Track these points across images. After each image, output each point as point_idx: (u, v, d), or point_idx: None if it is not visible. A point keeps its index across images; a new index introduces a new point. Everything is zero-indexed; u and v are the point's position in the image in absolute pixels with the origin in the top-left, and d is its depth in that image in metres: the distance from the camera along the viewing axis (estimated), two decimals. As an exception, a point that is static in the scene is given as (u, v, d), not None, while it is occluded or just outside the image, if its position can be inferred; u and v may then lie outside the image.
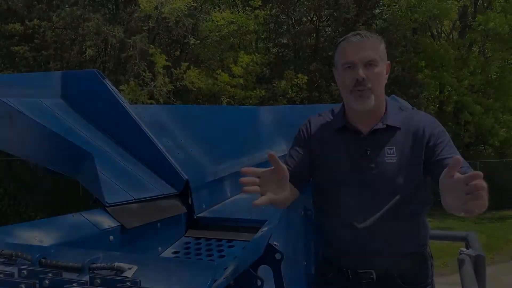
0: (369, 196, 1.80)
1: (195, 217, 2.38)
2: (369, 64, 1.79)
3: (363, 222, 1.82)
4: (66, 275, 1.13)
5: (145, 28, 14.08)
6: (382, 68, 1.84)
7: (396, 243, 1.84)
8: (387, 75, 1.89)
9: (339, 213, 1.89)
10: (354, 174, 1.84)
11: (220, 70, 14.47)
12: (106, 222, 1.85)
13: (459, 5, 18.64)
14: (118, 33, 13.58)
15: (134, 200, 2.04)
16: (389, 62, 1.91)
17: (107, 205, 1.91)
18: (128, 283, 1.06)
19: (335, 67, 1.93)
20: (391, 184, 1.75)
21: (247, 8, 14.86)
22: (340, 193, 1.88)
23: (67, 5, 14.65)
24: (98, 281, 1.09)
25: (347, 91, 1.83)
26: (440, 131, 1.84)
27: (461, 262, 2.42)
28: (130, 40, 13.46)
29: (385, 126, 1.85)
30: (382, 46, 1.86)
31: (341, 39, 1.91)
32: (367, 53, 1.79)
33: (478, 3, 20.33)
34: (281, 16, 18.98)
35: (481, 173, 1.34)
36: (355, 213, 1.84)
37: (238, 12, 14.78)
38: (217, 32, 14.31)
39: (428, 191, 1.92)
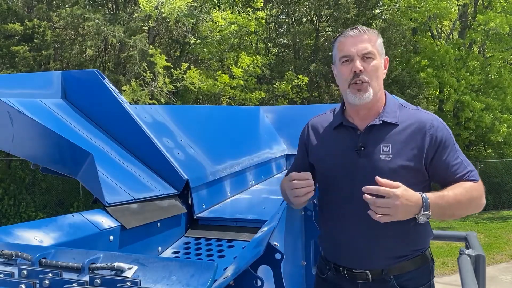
0: (363, 193, 1.78)
1: (195, 217, 2.38)
2: (367, 57, 1.80)
3: (357, 221, 1.82)
4: (66, 275, 1.13)
5: (145, 28, 14.08)
6: (380, 62, 1.84)
7: (391, 244, 1.82)
8: (385, 70, 1.89)
9: (334, 211, 1.89)
10: (349, 171, 1.84)
11: (220, 71, 14.47)
12: (106, 222, 1.85)
13: (459, 3, 18.60)
14: (118, 33, 13.57)
15: (134, 200, 2.04)
16: (387, 57, 1.92)
17: (107, 205, 1.91)
18: (128, 283, 1.06)
19: (333, 63, 1.94)
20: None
21: (248, 9, 14.85)
22: (335, 190, 1.88)
23: (67, 5, 14.65)
24: (98, 281, 1.09)
25: (345, 85, 1.84)
26: (445, 135, 1.82)
27: (461, 262, 2.42)
28: (130, 40, 13.46)
29: (381, 122, 1.84)
30: (380, 41, 1.87)
31: (338, 34, 1.92)
32: (364, 46, 1.80)
33: (478, 3, 20.32)
34: (281, 16, 18.99)
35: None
36: (349, 211, 1.84)
37: (239, 12, 14.77)
38: (217, 32, 14.30)
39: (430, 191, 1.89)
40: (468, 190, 1.76)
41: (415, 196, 1.66)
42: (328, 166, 1.91)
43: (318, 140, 1.97)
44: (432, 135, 1.80)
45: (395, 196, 1.60)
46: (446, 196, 1.71)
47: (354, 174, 1.82)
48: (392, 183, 1.63)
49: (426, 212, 1.66)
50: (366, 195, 1.64)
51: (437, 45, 19.49)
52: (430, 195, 1.69)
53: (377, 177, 1.64)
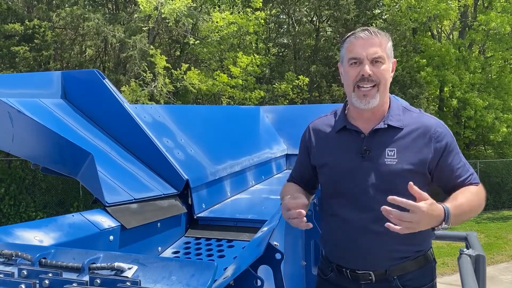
0: (368, 197, 1.78)
1: (195, 217, 2.38)
2: (376, 61, 1.77)
3: (360, 222, 1.82)
4: (66, 275, 1.13)
5: (145, 28, 14.07)
6: (388, 66, 1.82)
7: (394, 246, 1.82)
8: (392, 73, 1.87)
9: (337, 213, 1.89)
10: (353, 174, 1.83)
11: (219, 71, 14.48)
12: (106, 222, 1.85)
13: (459, 5, 18.61)
14: (118, 33, 13.58)
15: (134, 200, 2.04)
16: (395, 60, 1.90)
17: (107, 205, 1.91)
18: (128, 283, 1.06)
19: (341, 62, 1.91)
20: (390, 185, 1.72)
21: (248, 9, 14.84)
22: (339, 192, 1.88)
23: (67, 5, 14.65)
24: (98, 281, 1.09)
25: (350, 87, 1.81)
26: (449, 139, 1.82)
27: (461, 262, 2.41)
28: (130, 40, 13.46)
29: (386, 126, 1.83)
30: (390, 44, 1.84)
31: (349, 34, 1.88)
32: (375, 50, 1.77)
33: (478, 3, 20.32)
34: (281, 16, 19.00)
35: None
36: (353, 213, 1.83)
37: (239, 12, 14.77)
38: (217, 32, 14.31)
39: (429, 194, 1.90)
40: (476, 196, 1.78)
41: (438, 209, 1.61)
42: (331, 169, 1.90)
43: (321, 143, 1.96)
44: (437, 139, 1.80)
45: (420, 212, 1.54)
46: (462, 205, 1.71)
47: (358, 178, 1.81)
48: (422, 194, 1.57)
49: (445, 225, 1.65)
50: (388, 208, 1.55)
51: (440, 43, 19.47)
52: (450, 206, 1.65)
53: (411, 183, 1.57)
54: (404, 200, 1.55)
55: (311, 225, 1.72)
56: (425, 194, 1.58)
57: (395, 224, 1.57)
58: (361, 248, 1.84)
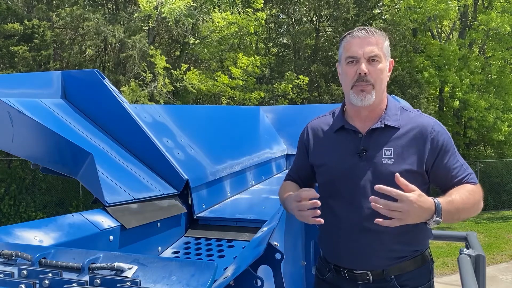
0: (365, 197, 1.77)
1: (195, 217, 2.38)
2: (372, 59, 1.79)
3: (358, 222, 1.82)
4: (66, 275, 1.13)
5: (145, 28, 14.07)
6: (385, 65, 1.83)
7: (391, 245, 1.83)
8: (389, 73, 1.88)
9: (335, 212, 1.89)
10: (350, 174, 1.83)
11: (220, 72, 14.49)
12: (106, 222, 1.85)
13: (459, 5, 18.62)
14: (118, 33, 13.58)
15: (134, 200, 2.04)
16: (392, 60, 1.91)
17: (107, 205, 1.91)
18: (128, 283, 1.06)
19: (339, 62, 1.93)
20: (387, 185, 1.71)
21: (248, 10, 14.84)
22: (336, 192, 1.88)
23: (67, 5, 14.65)
24: (98, 281, 1.09)
25: (348, 85, 1.83)
26: (446, 139, 1.82)
27: (461, 262, 2.41)
28: (130, 40, 13.46)
29: (383, 125, 1.83)
30: (387, 43, 1.86)
31: (346, 33, 1.90)
32: (371, 48, 1.78)
33: (478, 3, 20.33)
34: (281, 16, 19.01)
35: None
36: (350, 213, 1.84)
37: (239, 12, 14.77)
38: (217, 32, 14.31)
39: (430, 194, 1.89)
40: (471, 194, 1.77)
41: (428, 201, 1.62)
42: (329, 169, 1.90)
43: (319, 143, 1.97)
44: (433, 139, 1.80)
45: (408, 201, 1.56)
46: (455, 201, 1.70)
47: (356, 177, 1.82)
48: (408, 186, 1.59)
49: (437, 219, 1.64)
50: (375, 197, 1.58)
51: (445, 43, 19.46)
52: (442, 201, 1.66)
53: (397, 175, 1.60)
54: (391, 188, 1.57)
55: (322, 220, 1.71)
56: (412, 186, 1.60)
57: (386, 220, 1.58)
58: (358, 248, 1.84)
